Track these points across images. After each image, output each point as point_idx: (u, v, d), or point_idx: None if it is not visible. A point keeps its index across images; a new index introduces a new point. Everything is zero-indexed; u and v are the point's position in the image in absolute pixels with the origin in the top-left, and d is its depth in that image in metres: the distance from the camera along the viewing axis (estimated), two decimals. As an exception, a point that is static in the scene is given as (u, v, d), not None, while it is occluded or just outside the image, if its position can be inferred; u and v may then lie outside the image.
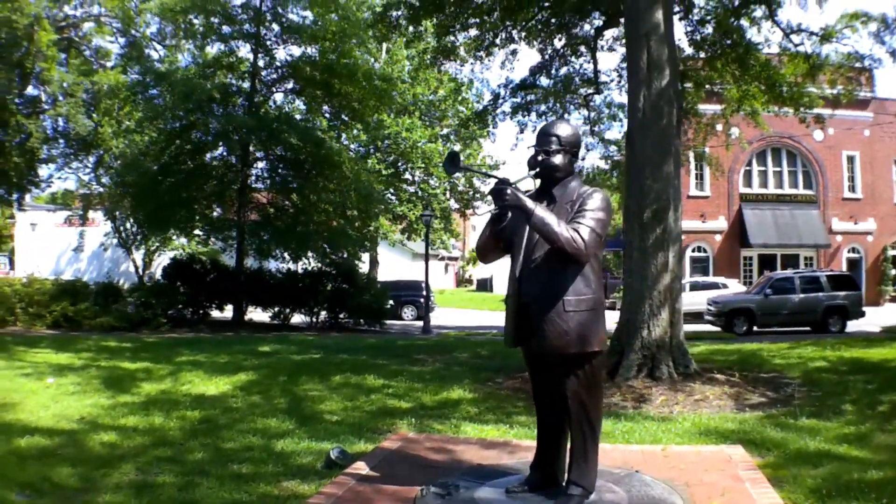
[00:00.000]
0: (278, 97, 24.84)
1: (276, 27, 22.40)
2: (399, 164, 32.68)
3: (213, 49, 22.88)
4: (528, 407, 7.55)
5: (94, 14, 25.47)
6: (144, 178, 21.26)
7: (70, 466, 5.27)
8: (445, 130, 34.51)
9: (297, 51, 23.44)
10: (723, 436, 6.03)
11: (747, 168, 35.22)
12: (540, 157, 4.06)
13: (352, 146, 28.89)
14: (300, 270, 22.88)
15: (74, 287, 20.27)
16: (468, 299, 46.48)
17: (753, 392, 8.17)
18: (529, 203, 3.81)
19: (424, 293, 24.48)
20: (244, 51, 22.84)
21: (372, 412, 7.69)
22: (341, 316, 22.32)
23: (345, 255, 23.02)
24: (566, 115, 17.54)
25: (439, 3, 12.96)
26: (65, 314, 18.78)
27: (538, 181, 4.17)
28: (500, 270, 56.47)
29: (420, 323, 23.52)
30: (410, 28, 14.28)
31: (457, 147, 33.89)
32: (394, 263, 42.75)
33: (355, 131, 27.56)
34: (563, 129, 4.15)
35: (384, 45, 26.52)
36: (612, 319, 7.61)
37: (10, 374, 9.70)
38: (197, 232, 23.67)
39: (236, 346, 15.05)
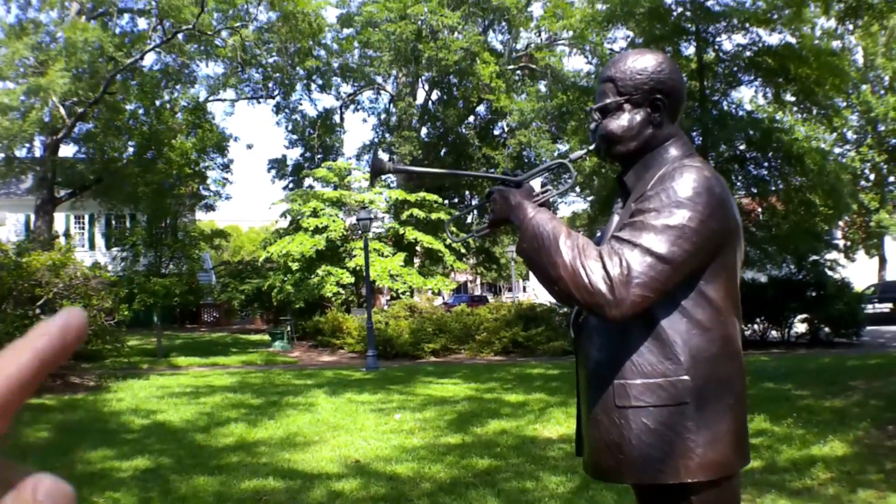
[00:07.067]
0: (740, 92, 23.54)
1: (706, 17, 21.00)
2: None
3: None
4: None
5: (560, 40, 26.85)
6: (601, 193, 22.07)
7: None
8: None
9: (742, 40, 21.65)
10: None
11: None
12: (593, 125, 2.24)
13: (821, 135, 25.76)
14: (763, 279, 21.10)
15: (534, 311, 21.23)
16: None
17: None
18: (527, 211, 2.07)
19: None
20: (690, 49, 21.76)
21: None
22: (824, 328, 19.69)
23: (815, 259, 20.89)
24: None
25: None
26: (514, 340, 19.74)
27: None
28: None
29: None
30: None
31: None
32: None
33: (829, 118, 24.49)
34: (622, 66, 2.15)
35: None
36: None
37: (363, 409, 10.30)
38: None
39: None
